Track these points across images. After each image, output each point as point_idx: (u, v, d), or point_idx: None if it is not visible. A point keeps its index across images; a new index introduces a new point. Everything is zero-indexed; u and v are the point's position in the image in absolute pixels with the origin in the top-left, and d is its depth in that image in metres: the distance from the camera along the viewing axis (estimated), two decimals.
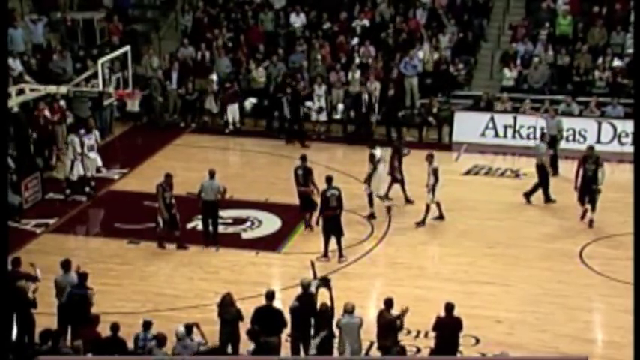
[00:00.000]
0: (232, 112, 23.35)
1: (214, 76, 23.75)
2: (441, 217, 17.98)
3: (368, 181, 18.03)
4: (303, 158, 17.95)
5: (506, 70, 23.84)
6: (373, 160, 18.06)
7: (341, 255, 16.43)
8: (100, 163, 19.63)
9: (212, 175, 17.05)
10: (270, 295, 12.84)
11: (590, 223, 17.69)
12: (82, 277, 13.25)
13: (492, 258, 16.72)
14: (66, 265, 13.58)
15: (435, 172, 17.56)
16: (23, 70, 22.93)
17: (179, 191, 17.90)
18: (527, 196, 18.92)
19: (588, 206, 17.75)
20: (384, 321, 12.60)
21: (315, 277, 13.33)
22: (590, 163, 17.63)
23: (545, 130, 20.30)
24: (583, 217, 17.85)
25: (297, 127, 22.57)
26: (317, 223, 17.23)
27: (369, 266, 16.49)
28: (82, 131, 19.40)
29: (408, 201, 18.71)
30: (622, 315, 14.31)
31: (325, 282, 13.15)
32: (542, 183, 18.91)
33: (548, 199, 18.92)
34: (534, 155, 19.32)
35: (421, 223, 17.85)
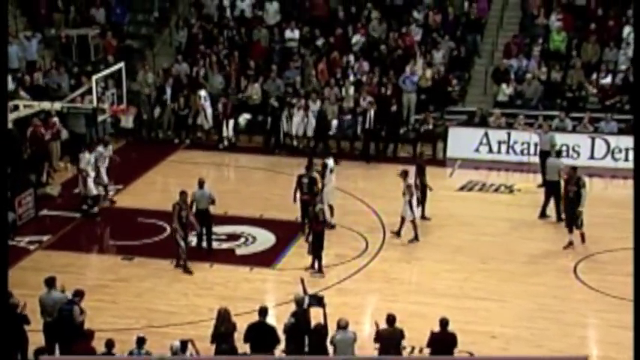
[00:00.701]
0: (229, 127, 23.42)
1: (203, 92, 23.76)
2: (398, 234, 17.98)
3: (320, 193, 18.01)
4: (309, 167, 18.19)
5: (504, 86, 23.89)
6: (325, 171, 18.26)
7: (321, 269, 16.49)
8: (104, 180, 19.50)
9: (201, 184, 17.28)
10: (263, 312, 12.83)
11: (582, 238, 17.56)
12: (78, 294, 13.16)
13: (487, 273, 16.72)
14: (50, 282, 13.39)
15: (409, 188, 17.63)
16: (17, 86, 22.95)
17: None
18: (559, 216, 18.62)
19: (571, 236, 17.46)
20: (391, 335, 12.54)
21: (305, 293, 13.31)
22: (572, 184, 17.35)
23: (553, 147, 20.35)
24: (567, 246, 17.50)
25: (322, 144, 22.55)
26: (306, 240, 17.22)
27: (364, 282, 16.46)
28: (100, 148, 19.44)
29: (424, 217, 18.75)
30: (617, 331, 14.30)
31: (318, 300, 13.11)
32: (549, 197, 18.77)
33: (543, 214, 18.91)
34: (554, 171, 18.63)
35: (414, 239, 17.86)
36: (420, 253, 17.56)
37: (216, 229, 17.75)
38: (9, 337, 12.89)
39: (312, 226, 16.70)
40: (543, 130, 21.00)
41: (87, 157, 18.89)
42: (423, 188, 18.63)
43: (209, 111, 23.63)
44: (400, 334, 12.59)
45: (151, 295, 15.84)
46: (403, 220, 17.82)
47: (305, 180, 17.88)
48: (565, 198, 17.54)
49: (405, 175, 17.75)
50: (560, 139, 21.13)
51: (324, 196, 18.00)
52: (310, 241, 16.66)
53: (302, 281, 13.60)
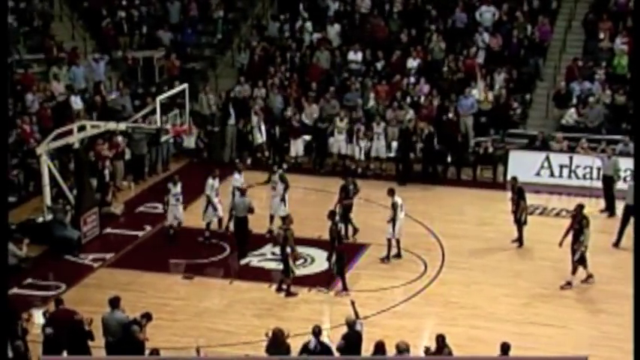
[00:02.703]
0: (296, 147, 23.68)
1: (257, 107, 24.04)
2: (398, 256, 17.94)
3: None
4: (350, 175, 19.85)
5: (572, 110, 23.58)
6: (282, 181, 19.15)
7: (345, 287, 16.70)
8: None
9: (243, 192, 18.07)
10: (317, 332, 12.91)
11: (587, 277, 16.96)
12: (146, 317, 13.33)
13: (547, 299, 16.51)
14: (113, 302, 13.53)
15: (393, 207, 17.61)
16: (83, 106, 23.60)
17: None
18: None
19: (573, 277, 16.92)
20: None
21: (357, 316, 13.33)
22: (576, 222, 16.90)
23: (617, 172, 20.19)
24: (563, 287, 16.84)
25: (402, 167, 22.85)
26: (328, 259, 17.17)
27: (422, 305, 16.39)
28: (236, 174, 19.29)
29: (520, 242, 18.61)
30: None
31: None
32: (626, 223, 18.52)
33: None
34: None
35: (386, 259, 17.85)
36: (479, 277, 17.42)
37: (275, 249, 17.89)
38: (76, 353, 13.24)
39: (334, 245, 16.78)
40: (607, 155, 20.71)
41: (210, 183, 18.95)
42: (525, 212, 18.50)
43: (263, 126, 23.89)
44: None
45: (210, 315, 16.01)
46: (389, 241, 17.86)
47: (351, 187, 18.80)
48: (572, 235, 16.99)
49: (391, 193, 17.82)
50: (625, 163, 20.80)
51: (275, 207, 18.89)
52: (334, 261, 16.73)
53: (352, 303, 13.63)
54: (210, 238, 18.95)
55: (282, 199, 19.06)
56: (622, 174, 20.62)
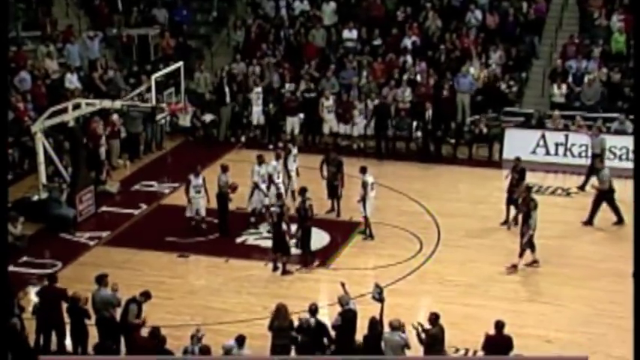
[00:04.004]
0: (291, 124, 23.56)
1: (259, 89, 23.97)
2: (370, 236, 17.93)
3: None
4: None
5: (555, 86, 23.59)
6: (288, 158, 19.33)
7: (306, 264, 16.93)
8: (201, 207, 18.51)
9: (222, 169, 18.22)
10: (313, 310, 12.96)
11: (533, 262, 16.76)
12: (144, 295, 13.43)
13: (542, 277, 16.56)
14: (99, 280, 13.62)
15: (363, 185, 17.60)
16: (79, 84, 23.51)
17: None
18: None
19: (534, 255, 16.74)
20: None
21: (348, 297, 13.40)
22: (524, 205, 16.78)
23: (603, 150, 20.15)
24: (509, 269, 16.66)
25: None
26: (295, 237, 17.13)
27: (418, 283, 16.44)
28: (274, 162, 18.83)
29: (515, 221, 18.36)
30: None
31: (379, 294, 13.16)
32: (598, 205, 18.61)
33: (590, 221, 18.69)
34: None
35: (368, 237, 17.86)
36: (475, 256, 17.45)
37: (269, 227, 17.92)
38: (72, 331, 13.30)
39: (302, 221, 16.84)
40: (594, 133, 20.72)
41: (256, 169, 18.62)
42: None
43: (260, 108, 23.87)
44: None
45: (206, 293, 16.05)
46: (366, 219, 17.84)
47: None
48: (522, 218, 16.84)
49: (363, 171, 17.81)
50: (621, 141, 20.82)
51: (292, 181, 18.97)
52: (299, 236, 16.84)
53: (343, 285, 13.64)
54: (256, 223, 18.61)
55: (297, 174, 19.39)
56: (611, 152, 20.51)
